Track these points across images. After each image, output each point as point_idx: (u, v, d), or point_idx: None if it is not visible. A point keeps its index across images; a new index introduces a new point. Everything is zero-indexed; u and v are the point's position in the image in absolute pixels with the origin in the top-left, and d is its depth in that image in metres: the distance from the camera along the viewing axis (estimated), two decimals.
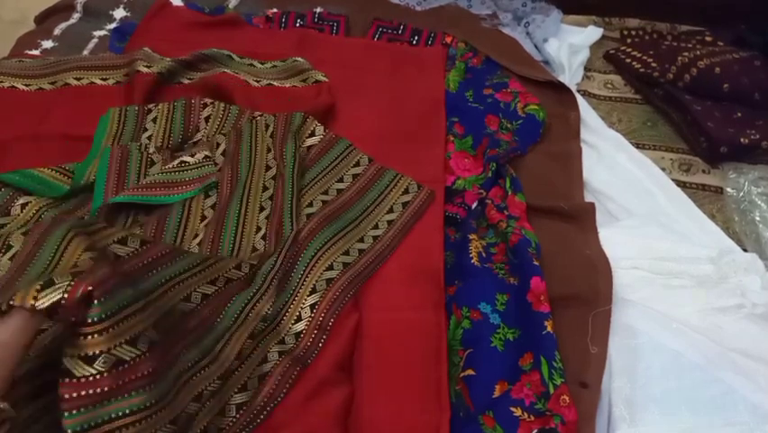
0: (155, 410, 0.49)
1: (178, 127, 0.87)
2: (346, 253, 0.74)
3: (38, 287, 0.43)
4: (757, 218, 0.83)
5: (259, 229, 0.75)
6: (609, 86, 1.11)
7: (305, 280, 0.70)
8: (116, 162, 0.79)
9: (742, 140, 0.91)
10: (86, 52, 1.10)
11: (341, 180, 0.82)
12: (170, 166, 0.79)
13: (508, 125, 0.94)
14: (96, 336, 0.45)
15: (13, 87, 0.92)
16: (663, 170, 0.90)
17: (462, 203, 0.81)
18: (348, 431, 0.61)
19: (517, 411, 0.60)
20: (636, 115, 1.04)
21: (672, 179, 0.89)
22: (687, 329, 0.67)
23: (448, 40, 1.14)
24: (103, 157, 0.79)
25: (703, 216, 0.83)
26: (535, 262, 0.70)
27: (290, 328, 0.67)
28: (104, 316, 0.45)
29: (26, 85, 0.92)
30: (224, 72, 0.94)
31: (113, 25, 1.16)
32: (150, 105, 0.88)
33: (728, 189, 0.88)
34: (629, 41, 1.21)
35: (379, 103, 0.95)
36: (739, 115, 0.97)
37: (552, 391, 0.60)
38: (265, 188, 0.78)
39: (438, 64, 1.04)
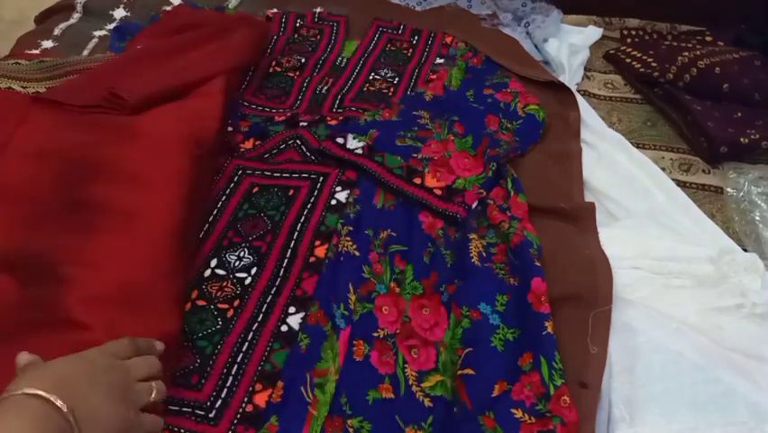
0: None
1: None
2: None
3: None
4: (757, 218, 0.83)
5: None
6: (609, 86, 1.11)
7: None
8: None
9: (742, 140, 0.91)
10: (86, 52, 1.10)
11: None
12: None
13: (508, 125, 0.94)
14: None
15: (9, 88, 0.92)
16: (663, 169, 0.90)
17: (462, 202, 0.81)
18: None
19: (518, 413, 0.60)
20: (636, 115, 1.04)
21: (672, 179, 0.89)
22: (687, 329, 0.67)
23: (448, 40, 1.14)
24: None
25: (703, 215, 0.83)
26: (537, 263, 0.70)
27: None
28: None
29: (23, 87, 0.92)
30: None
31: (113, 25, 1.16)
32: None
33: (728, 189, 0.88)
34: (629, 41, 1.21)
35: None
36: (739, 114, 0.97)
37: (552, 391, 0.60)
38: None
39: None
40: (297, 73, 1.06)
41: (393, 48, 1.14)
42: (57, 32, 1.14)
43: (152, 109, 0.82)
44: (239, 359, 0.65)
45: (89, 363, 0.48)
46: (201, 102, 0.85)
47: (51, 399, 0.41)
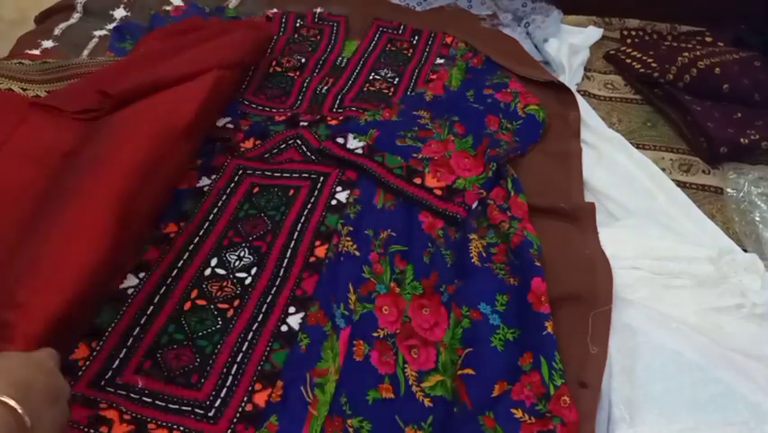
0: None
1: None
2: None
3: None
4: (757, 218, 0.83)
5: None
6: (609, 86, 1.11)
7: None
8: None
9: (742, 140, 0.91)
10: (86, 52, 1.10)
11: None
12: None
13: (508, 125, 0.94)
14: None
15: (9, 89, 0.91)
16: (663, 170, 0.90)
17: (462, 202, 0.81)
18: None
19: (518, 413, 0.60)
20: (636, 115, 1.04)
21: (672, 180, 0.89)
22: (687, 329, 0.67)
23: (448, 40, 1.14)
24: None
25: (703, 216, 0.83)
26: (537, 263, 0.70)
27: None
28: None
29: (23, 89, 0.92)
30: None
31: (113, 25, 1.16)
32: None
33: (728, 190, 0.88)
34: (629, 41, 1.22)
35: None
36: (739, 115, 0.97)
37: (552, 391, 0.60)
38: None
39: None
40: (298, 73, 1.06)
41: (393, 48, 1.14)
42: (57, 32, 1.14)
43: (137, 101, 0.82)
44: (239, 359, 0.65)
45: (39, 365, 0.48)
46: (184, 88, 0.84)
47: (16, 408, 0.42)
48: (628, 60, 1.11)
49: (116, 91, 0.80)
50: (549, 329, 0.64)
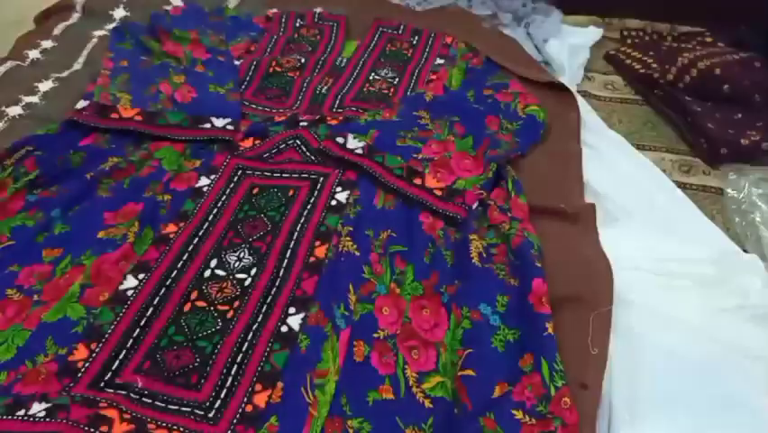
0: None
1: None
2: None
3: None
4: (758, 219, 0.83)
5: None
6: (610, 87, 1.11)
7: None
8: None
9: (742, 141, 0.91)
10: (85, 52, 1.10)
11: None
12: None
13: (509, 126, 0.94)
14: None
15: None
16: (664, 171, 0.90)
17: (463, 203, 0.81)
18: None
19: (519, 414, 0.60)
20: (637, 116, 1.04)
21: (673, 181, 0.89)
22: (687, 330, 0.67)
23: (448, 40, 1.14)
24: None
25: (704, 217, 0.83)
26: (538, 264, 0.70)
27: None
28: None
29: None
30: None
31: (113, 25, 1.16)
32: None
33: (729, 191, 0.88)
34: (629, 41, 1.22)
35: None
36: (739, 116, 0.97)
37: (553, 393, 0.60)
38: None
39: None
40: (298, 73, 1.06)
41: (393, 48, 1.14)
42: (57, 32, 1.14)
43: None
44: (239, 359, 0.65)
45: None
46: None
47: None
48: (628, 61, 1.12)
49: None
50: (550, 330, 0.64)
